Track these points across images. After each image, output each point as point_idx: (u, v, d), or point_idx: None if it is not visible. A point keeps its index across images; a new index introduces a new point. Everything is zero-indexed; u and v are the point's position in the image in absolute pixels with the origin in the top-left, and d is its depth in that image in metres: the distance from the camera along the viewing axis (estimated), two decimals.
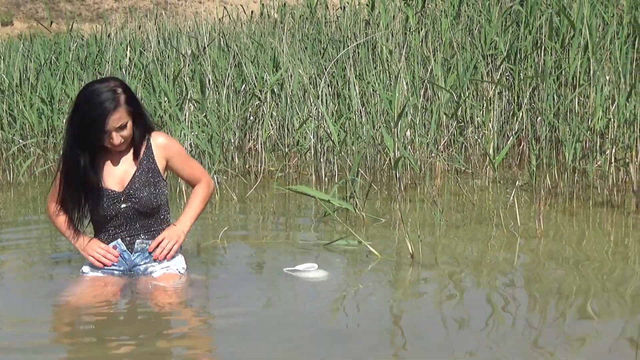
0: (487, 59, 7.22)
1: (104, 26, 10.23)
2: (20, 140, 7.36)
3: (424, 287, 4.04)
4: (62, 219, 4.03)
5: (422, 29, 7.66)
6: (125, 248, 3.96)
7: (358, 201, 5.32)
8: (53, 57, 8.76)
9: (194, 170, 4.12)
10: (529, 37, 7.05)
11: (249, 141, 7.30)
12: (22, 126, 7.55)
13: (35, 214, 5.87)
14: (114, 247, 3.96)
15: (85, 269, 4.03)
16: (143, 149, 3.97)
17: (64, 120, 4.06)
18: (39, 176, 7.12)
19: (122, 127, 3.82)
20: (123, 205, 3.92)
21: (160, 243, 3.97)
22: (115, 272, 3.99)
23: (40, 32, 10.84)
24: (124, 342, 3.31)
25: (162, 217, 4.02)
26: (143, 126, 3.95)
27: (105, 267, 3.98)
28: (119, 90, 3.81)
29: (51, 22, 10.63)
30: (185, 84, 7.33)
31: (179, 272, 4.02)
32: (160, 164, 3.99)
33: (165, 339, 3.38)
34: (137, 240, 3.97)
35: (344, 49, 7.48)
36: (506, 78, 7.20)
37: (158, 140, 4.00)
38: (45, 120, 7.44)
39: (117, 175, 3.93)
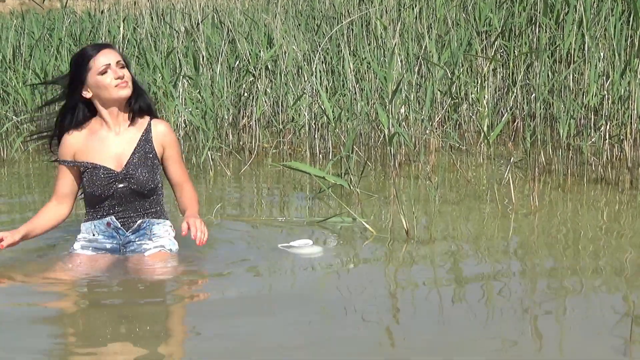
0: (481, 35, 7.20)
1: (97, 2, 10.16)
2: (14, 117, 7.34)
3: (419, 263, 4.04)
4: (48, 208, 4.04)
5: (416, 6, 7.63)
6: (119, 225, 3.95)
7: (353, 177, 5.32)
8: (46, 34, 8.71)
9: (183, 170, 4.07)
10: (523, 14, 7.04)
11: (243, 118, 7.28)
12: (15, 102, 7.52)
13: (29, 191, 5.86)
14: (108, 224, 3.95)
15: (77, 246, 4.02)
16: (142, 131, 3.96)
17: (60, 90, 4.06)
18: (32, 152, 7.10)
19: (122, 66, 3.83)
20: (120, 185, 3.90)
21: (196, 227, 3.79)
22: (107, 245, 3.98)
23: (33, 8, 10.79)
24: (113, 320, 3.30)
25: (156, 199, 4.00)
26: (145, 102, 3.95)
27: (97, 243, 3.98)
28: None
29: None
30: (179, 61, 7.30)
31: (172, 251, 4.01)
32: (159, 150, 3.97)
33: (156, 317, 3.38)
34: (139, 221, 3.96)
35: (338, 26, 7.46)
36: (500, 55, 7.19)
37: (159, 127, 3.98)
38: (38, 97, 7.41)
39: (115, 154, 3.91)
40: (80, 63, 3.84)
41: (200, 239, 3.75)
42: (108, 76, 3.80)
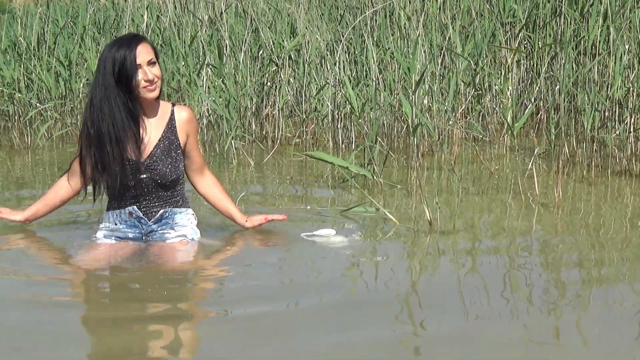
0: (505, 26, 7.18)
1: None
2: (38, 104, 7.37)
3: (442, 253, 4.04)
4: (59, 183, 4.12)
5: None
6: (141, 214, 3.97)
7: (376, 168, 5.31)
8: (70, 22, 8.75)
9: (199, 157, 4.14)
10: (547, 5, 7.00)
11: (265, 107, 7.29)
12: (39, 90, 7.56)
13: (53, 178, 5.88)
14: (130, 213, 3.96)
15: (99, 234, 4.04)
16: (166, 120, 3.97)
17: (88, 86, 4.06)
18: (56, 140, 7.14)
19: (152, 63, 3.82)
20: (143, 176, 3.90)
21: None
22: (130, 235, 4.01)
23: None
24: (134, 306, 3.32)
25: (178, 189, 4.02)
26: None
27: (120, 232, 4.01)
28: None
29: None
30: (202, 49, 7.32)
31: (194, 240, 4.03)
32: (182, 139, 3.99)
33: (177, 304, 3.39)
34: (161, 210, 3.98)
35: (361, 16, 7.45)
36: (524, 46, 7.16)
37: (182, 114, 4.00)
38: (62, 84, 7.44)
39: (140, 145, 3.90)
40: (126, 54, 3.79)
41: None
42: (138, 75, 3.80)
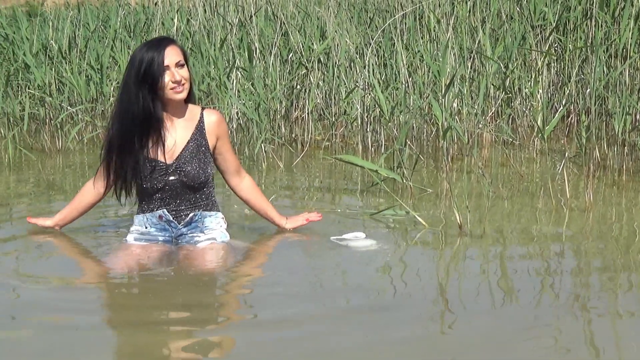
0: (535, 29, 7.15)
1: None
2: (69, 107, 7.42)
3: (471, 257, 4.03)
4: (85, 187, 4.19)
5: None
6: (171, 218, 3.99)
7: (405, 171, 5.31)
8: (101, 26, 8.80)
9: (234, 160, 4.17)
10: (578, 8, 6.97)
11: (295, 110, 7.30)
12: (70, 93, 7.61)
13: (83, 181, 5.90)
14: (160, 217, 3.99)
15: (129, 238, 4.06)
16: (195, 123, 3.99)
17: (120, 83, 4.07)
18: (87, 143, 7.18)
19: (180, 65, 3.85)
20: (171, 178, 3.93)
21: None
22: (160, 238, 4.03)
23: (88, 0, 10.90)
24: (164, 309, 3.33)
25: (207, 192, 4.04)
26: (191, 94, 3.99)
27: (150, 235, 4.02)
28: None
29: None
30: (232, 53, 7.34)
31: (224, 243, 4.05)
32: (211, 141, 4.01)
33: (205, 307, 3.40)
34: (191, 214, 4.00)
35: (391, 19, 7.45)
36: (555, 49, 7.12)
37: (212, 117, 4.02)
38: (93, 87, 7.49)
39: (167, 147, 3.93)
40: (154, 55, 3.83)
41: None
42: (166, 76, 3.83)
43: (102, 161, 4.03)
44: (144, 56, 3.81)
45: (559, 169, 5.44)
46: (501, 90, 6.62)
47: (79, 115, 7.35)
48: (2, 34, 9.07)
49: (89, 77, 7.51)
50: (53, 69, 7.66)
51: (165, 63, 3.80)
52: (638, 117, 6.09)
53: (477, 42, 6.87)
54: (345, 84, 6.97)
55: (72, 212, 4.25)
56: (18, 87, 8.04)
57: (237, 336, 3.11)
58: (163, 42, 3.86)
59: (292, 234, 4.29)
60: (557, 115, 5.99)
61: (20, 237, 4.35)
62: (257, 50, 7.38)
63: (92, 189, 4.14)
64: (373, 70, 6.72)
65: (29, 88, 7.74)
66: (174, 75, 3.81)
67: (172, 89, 3.83)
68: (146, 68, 3.79)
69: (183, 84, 3.84)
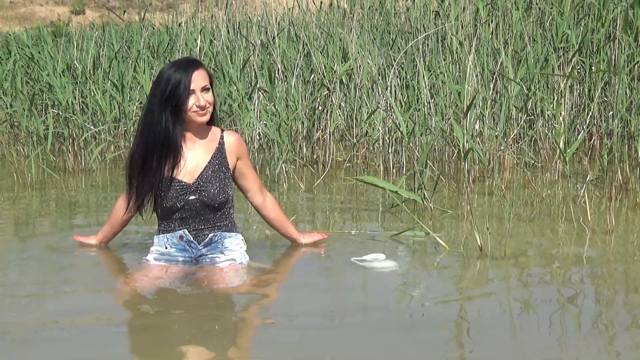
0: (558, 51, 7.14)
1: (175, 15, 10.31)
2: (92, 127, 7.46)
3: (492, 279, 4.01)
4: (117, 204, 4.25)
5: (492, 21, 7.59)
6: (192, 238, 4.00)
7: (426, 192, 5.30)
8: (125, 46, 8.86)
9: (256, 179, 4.22)
10: (601, 30, 6.95)
11: (317, 131, 7.31)
12: (94, 113, 7.66)
13: (106, 200, 5.94)
14: (181, 237, 4.00)
15: (150, 257, 4.08)
16: (216, 144, 4.01)
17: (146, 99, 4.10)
18: (109, 162, 7.22)
19: (206, 89, 3.88)
20: (192, 197, 3.95)
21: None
22: (180, 258, 4.04)
23: (112, 20, 10.98)
24: (183, 328, 3.34)
25: (227, 212, 4.06)
26: (214, 116, 4.02)
27: (170, 256, 4.04)
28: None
29: (124, 12, 10.75)
30: (254, 73, 7.37)
31: (243, 264, 4.05)
32: (231, 162, 4.05)
33: (225, 327, 3.41)
34: (211, 234, 4.01)
35: (413, 40, 7.46)
36: (577, 71, 7.11)
37: (231, 138, 4.06)
38: (116, 107, 7.53)
39: (188, 167, 3.96)
40: (181, 78, 3.87)
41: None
42: (190, 100, 3.85)
43: (125, 178, 4.06)
44: (172, 76, 3.84)
45: (580, 192, 5.41)
46: (523, 112, 6.61)
47: (102, 135, 7.39)
48: (27, 54, 9.15)
49: (112, 97, 7.56)
50: (77, 89, 7.72)
51: (192, 87, 3.84)
52: None
53: (499, 63, 6.86)
54: (367, 105, 6.98)
55: (111, 229, 4.34)
56: (43, 106, 8.10)
57: (255, 355, 3.10)
58: (192, 65, 3.89)
59: (312, 255, 4.30)
60: (579, 137, 5.98)
61: (41, 256, 4.39)
62: (280, 71, 7.41)
63: (122, 206, 4.17)
64: (395, 92, 6.72)
65: (53, 107, 7.79)
66: (199, 99, 3.85)
67: (195, 112, 3.86)
68: (172, 89, 3.82)
69: (207, 108, 3.88)
